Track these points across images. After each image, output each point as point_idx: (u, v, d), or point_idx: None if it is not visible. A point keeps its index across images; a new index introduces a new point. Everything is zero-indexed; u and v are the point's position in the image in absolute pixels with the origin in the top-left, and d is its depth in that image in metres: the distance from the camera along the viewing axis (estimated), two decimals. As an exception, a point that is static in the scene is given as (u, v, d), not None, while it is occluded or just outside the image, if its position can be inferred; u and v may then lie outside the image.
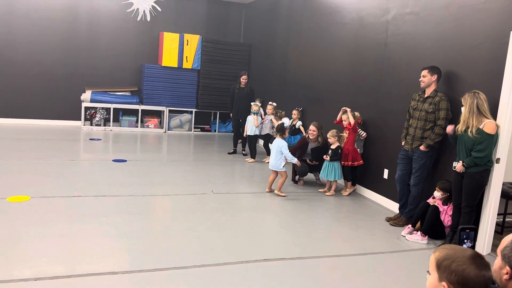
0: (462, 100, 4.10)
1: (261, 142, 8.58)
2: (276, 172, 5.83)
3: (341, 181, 6.29)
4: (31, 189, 5.13)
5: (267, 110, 7.85)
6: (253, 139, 7.80)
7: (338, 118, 6.05)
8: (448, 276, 1.46)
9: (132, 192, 5.36)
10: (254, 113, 7.72)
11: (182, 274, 3.38)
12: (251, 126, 7.73)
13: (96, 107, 9.76)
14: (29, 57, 9.50)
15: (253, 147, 7.79)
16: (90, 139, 8.65)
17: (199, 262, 3.59)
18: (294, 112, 7.59)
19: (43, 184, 5.38)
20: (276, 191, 5.73)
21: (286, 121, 7.30)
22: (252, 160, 7.75)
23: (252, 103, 7.83)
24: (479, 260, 1.46)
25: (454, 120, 4.44)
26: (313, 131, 6.12)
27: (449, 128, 4.27)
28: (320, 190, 6.08)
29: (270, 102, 7.92)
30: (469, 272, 1.43)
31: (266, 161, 7.84)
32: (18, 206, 4.56)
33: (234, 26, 11.05)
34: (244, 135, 7.95)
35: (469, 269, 1.43)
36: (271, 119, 7.78)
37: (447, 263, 1.47)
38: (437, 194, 4.50)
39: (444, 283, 1.48)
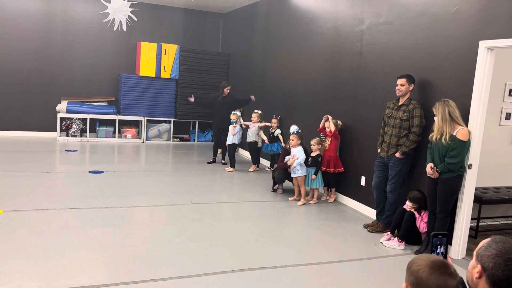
0: (434, 110, 4.20)
1: (243, 151, 8.54)
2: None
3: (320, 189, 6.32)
4: (3, 202, 5.00)
5: (252, 118, 7.84)
6: (232, 148, 7.79)
7: (321, 126, 6.12)
8: (409, 278, 1.55)
9: (109, 203, 5.28)
10: (231, 122, 7.73)
11: (160, 286, 3.34)
12: (229, 134, 7.74)
13: (72, 118, 9.60)
14: (2, 67, 9.29)
15: (231, 156, 7.77)
16: (66, 150, 8.50)
17: (177, 273, 3.56)
18: (274, 120, 7.64)
19: (16, 197, 5.25)
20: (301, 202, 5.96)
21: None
22: (231, 169, 7.73)
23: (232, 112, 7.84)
24: (438, 266, 1.51)
25: (428, 127, 4.54)
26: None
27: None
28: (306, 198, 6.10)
29: (255, 110, 7.92)
30: (422, 273, 1.50)
31: (250, 170, 7.83)
32: (-10, 220, 4.44)
33: (212, 35, 11.06)
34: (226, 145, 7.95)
35: (422, 270, 1.50)
36: (258, 126, 7.77)
37: (410, 265, 1.57)
38: (409, 204, 4.60)
39: (404, 284, 1.57)
